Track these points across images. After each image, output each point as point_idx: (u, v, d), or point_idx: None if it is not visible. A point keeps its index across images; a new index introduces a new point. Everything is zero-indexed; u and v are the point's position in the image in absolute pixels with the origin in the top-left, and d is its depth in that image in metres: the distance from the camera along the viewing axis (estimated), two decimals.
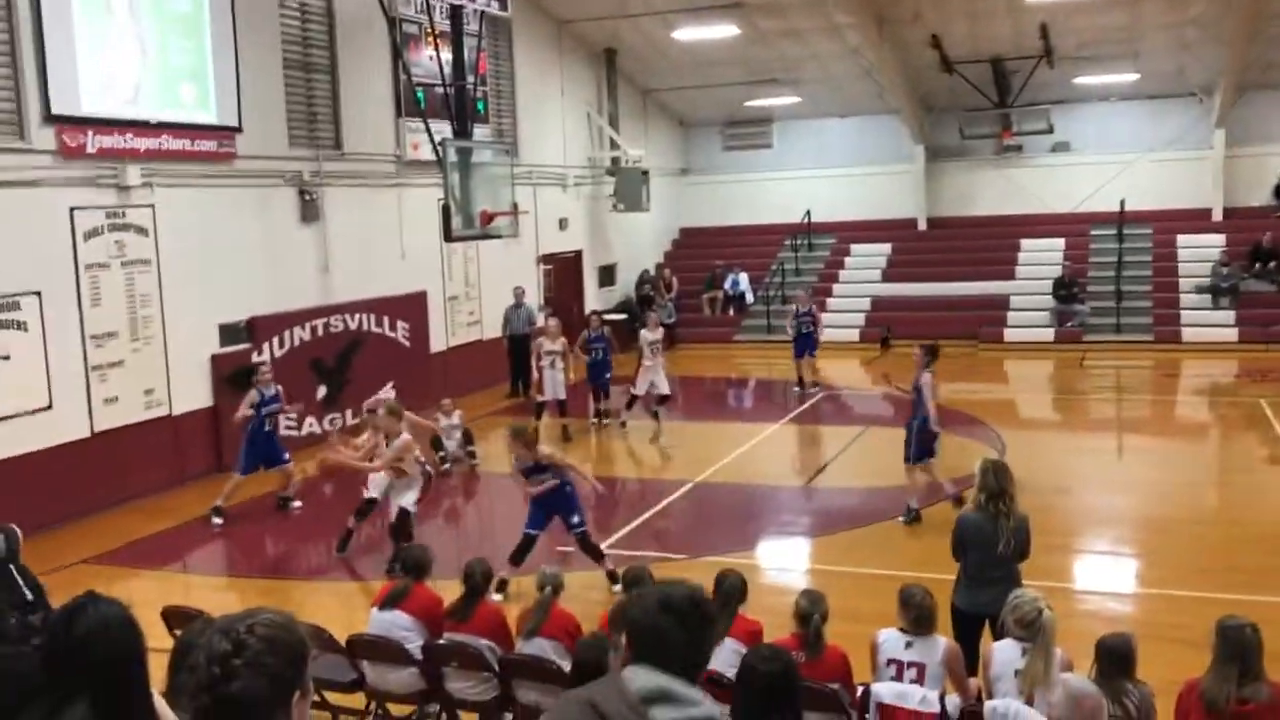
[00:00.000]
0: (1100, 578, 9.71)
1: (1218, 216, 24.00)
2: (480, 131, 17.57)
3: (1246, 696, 4.64)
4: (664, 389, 15.45)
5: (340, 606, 9.03)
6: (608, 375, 15.73)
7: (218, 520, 11.67)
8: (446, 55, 15.99)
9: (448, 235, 15.23)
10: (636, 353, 15.86)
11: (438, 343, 18.25)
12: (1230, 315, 21.63)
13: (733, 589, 5.96)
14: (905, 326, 22.98)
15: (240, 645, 2.07)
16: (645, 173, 23.49)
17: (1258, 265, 22.20)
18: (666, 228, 27.55)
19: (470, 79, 16.50)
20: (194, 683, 2.07)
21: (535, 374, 15.20)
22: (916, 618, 5.47)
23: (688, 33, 21.20)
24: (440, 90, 15.94)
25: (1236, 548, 10.01)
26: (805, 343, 18.29)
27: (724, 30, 20.87)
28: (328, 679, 6.50)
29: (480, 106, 18.27)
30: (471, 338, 19.19)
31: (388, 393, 11.52)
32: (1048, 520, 9.65)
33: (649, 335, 15.55)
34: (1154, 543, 10.41)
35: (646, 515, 11.73)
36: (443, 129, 15.55)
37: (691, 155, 28.40)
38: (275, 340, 14.83)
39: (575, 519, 9.09)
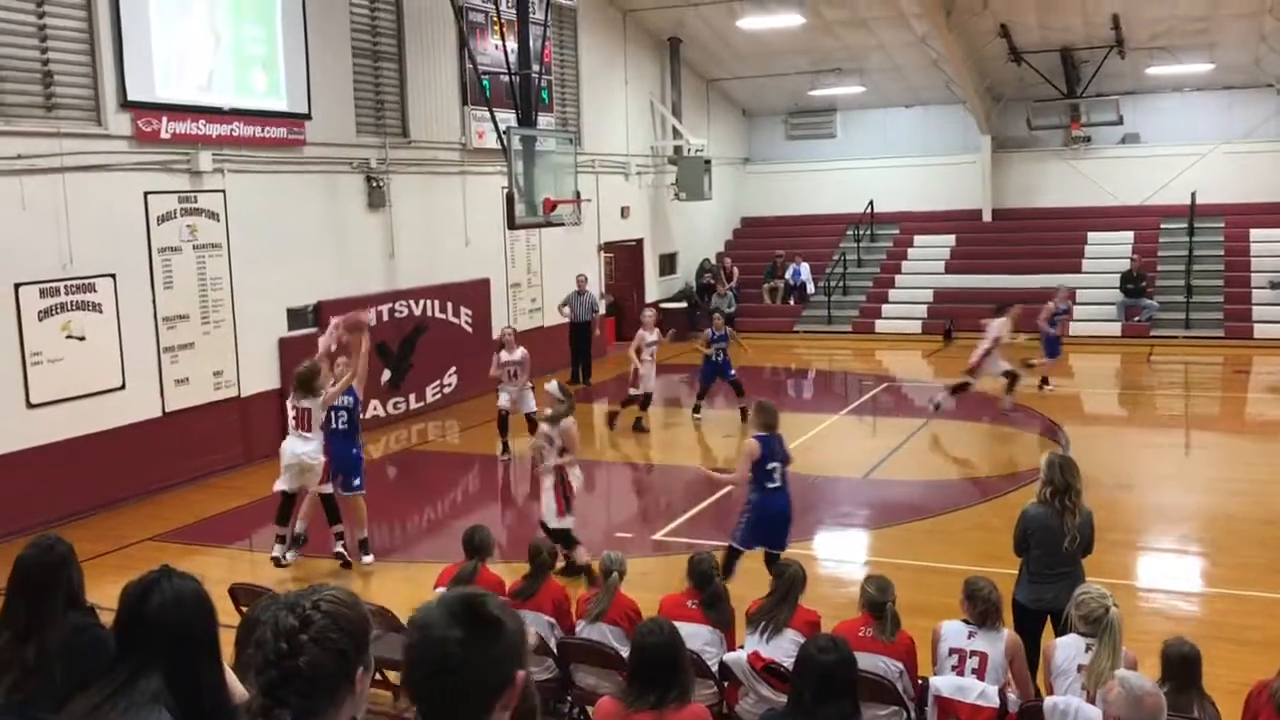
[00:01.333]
0: (1165, 576, 9.57)
1: None
2: (544, 120, 17.68)
3: None
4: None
5: (405, 586, 9.17)
6: (733, 372, 15.48)
7: (367, 559, 9.81)
8: (512, 44, 16.09)
9: (511, 223, 15.36)
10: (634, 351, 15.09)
11: (500, 329, 18.38)
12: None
13: (794, 579, 5.98)
14: (968, 319, 22.70)
15: (306, 621, 2.09)
16: (707, 162, 23.47)
17: None
18: (728, 217, 27.51)
19: (535, 68, 16.60)
20: (261, 657, 2.10)
21: (635, 365, 14.84)
22: (983, 610, 5.45)
23: (752, 21, 21.12)
24: (505, 79, 16.05)
25: None
26: (1056, 343, 17.38)
27: (789, 19, 20.76)
28: (390, 658, 6.59)
29: (545, 95, 18.38)
30: (533, 324, 19.32)
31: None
32: (1111, 516, 9.54)
33: (648, 336, 14.98)
34: (1222, 541, 10.24)
35: (707, 503, 11.75)
36: (508, 117, 15.67)
37: (754, 144, 28.31)
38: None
39: None
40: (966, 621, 5.49)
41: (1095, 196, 24.94)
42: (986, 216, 25.77)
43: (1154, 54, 22.13)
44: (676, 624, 4.84)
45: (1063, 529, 6.39)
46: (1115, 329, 21.95)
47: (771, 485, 8.39)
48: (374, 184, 15.63)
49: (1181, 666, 4.95)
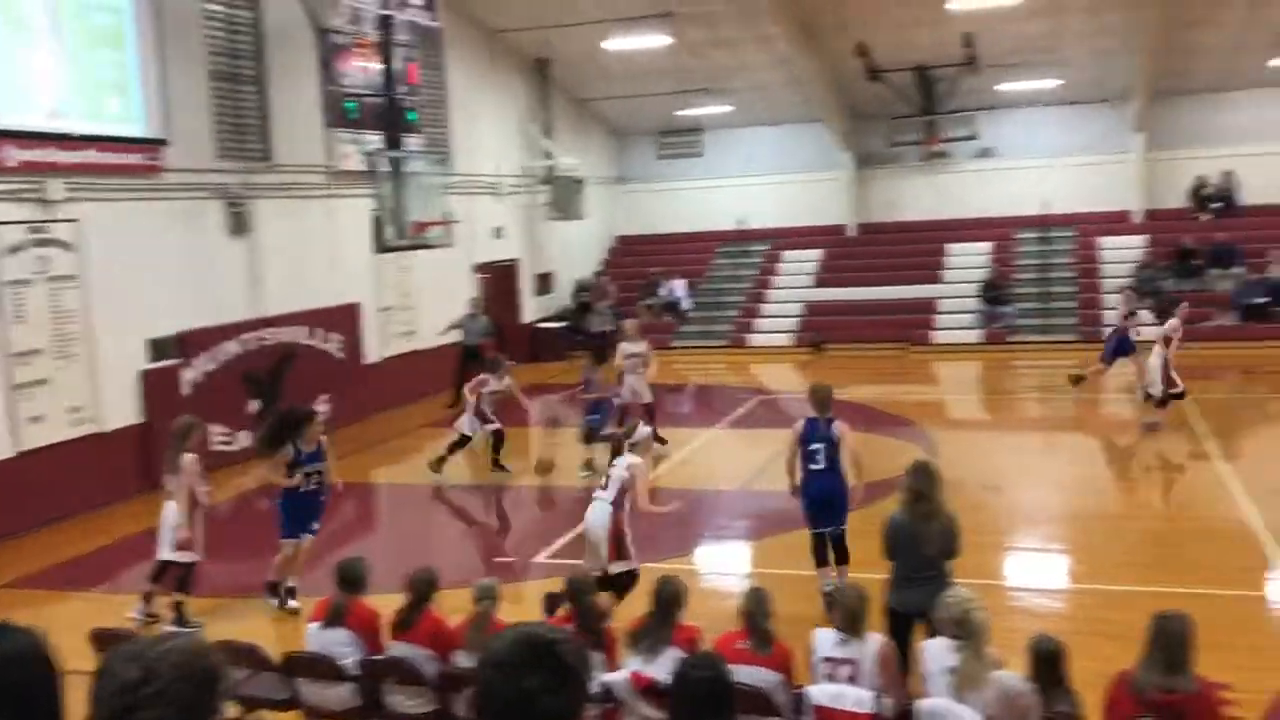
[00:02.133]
0: (1031, 574, 9.92)
1: (1138, 219, 24.64)
2: (412, 142, 17.49)
3: (1173, 687, 4.78)
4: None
5: (277, 623, 8.94)
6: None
7: (293, 603, 9.29)
8: (376, 66, 15.89)
9: (379, 246, 15.15)
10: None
11: (372, 354, 18.12)
12: (1152, 315, 22.15)
13: (672, 596, 6.02)
14: (837, 330, 23.32)
15: (150, 673, 1.94)
16: (580, 181, 23.55)
17: (1183, 265, 22.79)
18: (603, 235, 27.64)
19: (401, 89, 16.43)
20: (99, 714, 1.95)
21: (618, 377, 14.41)
22: (845, 615, 5.58)
23: (619, 43, 21.30)
24: (371, 101, 15.84)
25: (1162, 542, 10.30)
26: (1124, 345, 16.68)
27: (655, 40, 21.00)
28: (262, 697, 6.45)
29: (411, 117, 18.16)
30: (407, 348, 19.07)
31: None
32: (978, 518, 9.86)
33: (630, 347, 14.39)
34: (1082, 539, 10.67)
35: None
36: (374, 140, 15.46)
37: (626, 164, 28.52)
38: (205, 355, 14.64)
39: None
40: (838, 629, 5.61)
41: (954, 209, 25.82)
42: (852, 231, 26.45)
43: (1005, 71, 23.04)
44: None
45: (925, 534, 6.58)
46: (976, 336, 22.72)
47: (815, 467, 8.48)
48: (236, 209, 15.25)
49: (1047, 663, 5.13)
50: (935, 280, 24.44)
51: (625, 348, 14.38)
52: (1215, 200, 24.32)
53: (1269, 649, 7.66)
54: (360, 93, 16.26)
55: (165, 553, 8.92)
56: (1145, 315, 16.37)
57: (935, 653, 5.28)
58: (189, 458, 8.88)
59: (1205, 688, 4.83)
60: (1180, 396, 14.54)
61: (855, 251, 25.98)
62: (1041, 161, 25.13)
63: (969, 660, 5.03)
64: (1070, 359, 21.24)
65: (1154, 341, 14.95)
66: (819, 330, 23.37)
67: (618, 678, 5.81)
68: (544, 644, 2.01)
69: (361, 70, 16.18)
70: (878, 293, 24.20)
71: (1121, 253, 23.73)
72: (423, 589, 6.55)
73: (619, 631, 6.19)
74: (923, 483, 6.69)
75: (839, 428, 8.54)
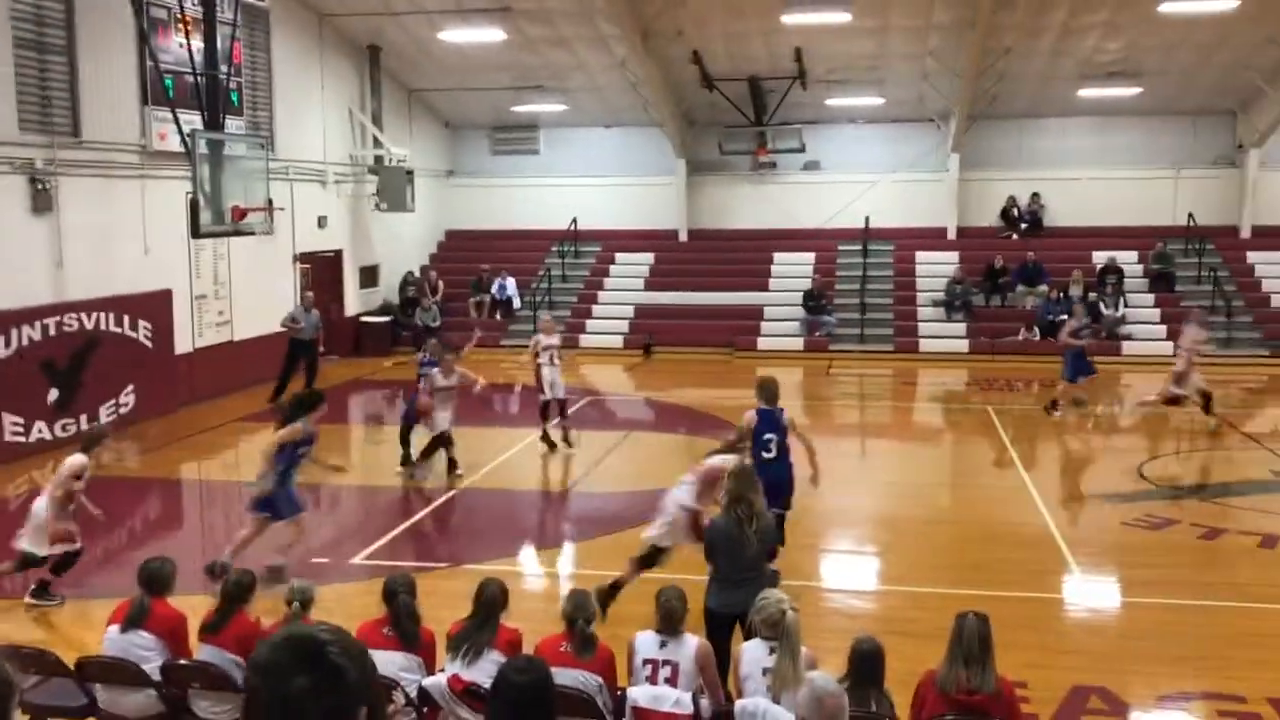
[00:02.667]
0: (846, 576, 10.20)
1: (952, 235, 25.75)
2: (233, 124, 16.84)
3: (976, 686, 4.97)
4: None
5: (74, 626, 8.42)
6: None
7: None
8: (198, 43, 15.20)
9: (195, 231, 14.50)
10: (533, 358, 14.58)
11: (183, 344, 17.31)
12: (962, 328, 23.24)
13: (493, 599, 5.92)
14: (666, 334, 23.58)
15: None
16: (410, 173, 23.10)
17: (993, 281, 23.94)
18: (432, 230, 27.17)
19: (223, 69, 15.77)
20: None
21: (534, 370, 14.31)
22: (664, 616, 5.61)
23: (454, 34, 20.99)
24: (190, 79, 15.14)
25: (968, 545, 10.74)
26: (1083, 364, 16.56)
27: (490, 34, 20.78)
28: (55, 705, 6.07)
29: (234, 98, 17.50)
30: (221, 339, 18.31)
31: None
32: (798, 521, 10.08)
33: (545, 340, 14.36)
34: (895, 541, 11.04)
35: (408, 523, 11.51)
36: (193, 119, 14.79)
37: (458, 157, 28.13)
38: (1, 340, 13.70)
39: None
40: (658, 631, 5.62)
41: (781, 219, 26.44)
42: (683, 236, 26.78)
43: (832, 86, 23.75)
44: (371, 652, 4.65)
45: (743, 537, 6.69)
46: (798, 344, 23.32)
47: (767, 455, 9.06)
48: (39, 186, 14.35)
49: (865, 662, 5.26)
50: (762, 288, 24.98)
51: (541, 340, 14.34)
52: (1023, 221, 25.66)
53: (1062, 648, 8.07)
54: (179, 70, 15.56)
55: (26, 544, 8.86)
56: (1086, 334, 17.08)
57: (752, 654, 5.35)
58: (77, 459, 9.04)
59: (1004, 686, 5.04)
60: (1178, 402, 15.65)
61: (686, 257, 26.31)
62: (865, 176, 25.99)
63: (784, 661, 5.11)
64: (887, 367, 22.10)
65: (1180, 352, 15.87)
66: (649, 333, 23.57)
67: (436, 681, 5.69)
68: (312, 646, 1.93)
69: (181, 47, 15.47)
70: (706, 298, 24.58)
71: (936, 267, 24.77)
72: (235, 591, 6.26)
73: (439, 635, 6.06)
74: (743, 486, 6.80)
75: (786, 416, 9.32)
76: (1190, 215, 24.66)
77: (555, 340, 14.45)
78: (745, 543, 6.66)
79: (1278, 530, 10.74)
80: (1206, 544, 10.44)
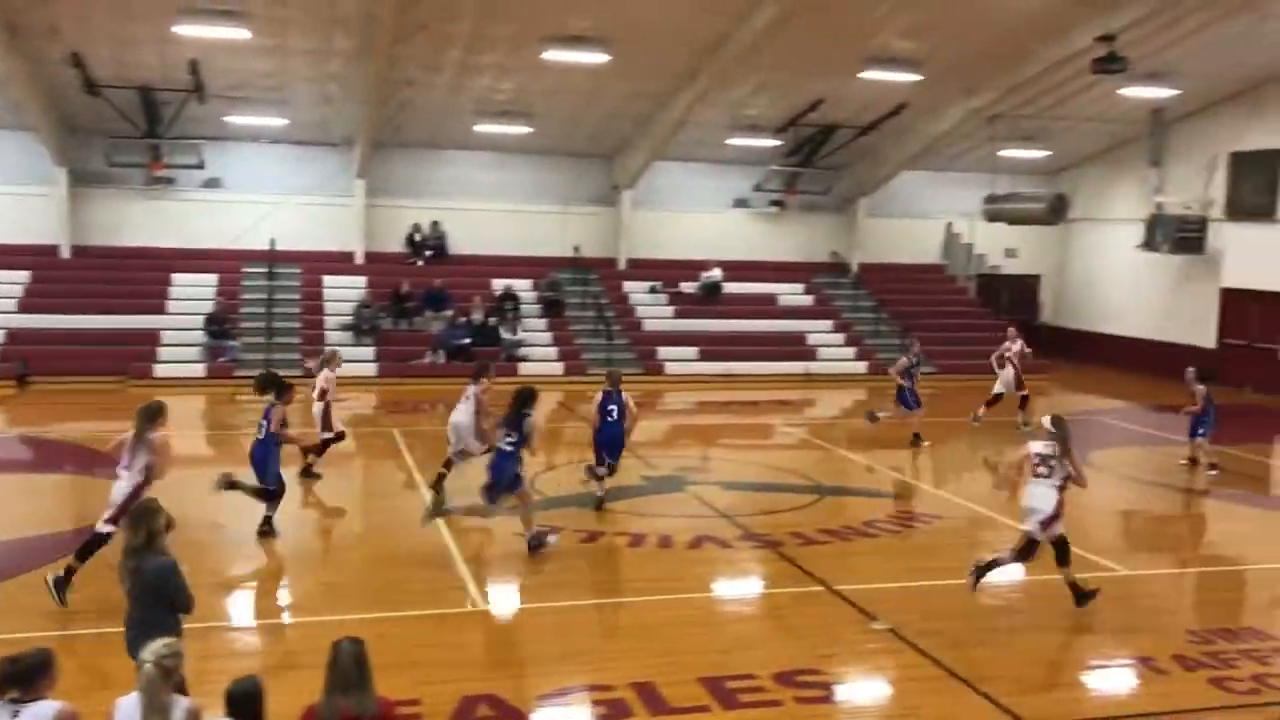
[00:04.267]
0: (250, 611, 9.87)
1: (360, 260, 26.03)
2: None
3: (358, 712, 5.02)
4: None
5: None
6: None
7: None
8: None
9: None
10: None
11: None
12: (371, 351, 23.53)
13: None
14: (46, 361, 21.36)
15: None
16: None
17: (399, 306, 24.48)
18: None
19: None
20: None
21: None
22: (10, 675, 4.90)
23: None
24: None
25: (375, 568, 10.86)
26: (908, 398, 17.78)
27: None
28: None
29: None
30: None
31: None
32: (203, 558, 9.66)
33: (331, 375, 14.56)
34: (302, 570, 10.88)
35: None
36: None
37: None
38: None
39: None
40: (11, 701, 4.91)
41: (181, 238, 25.07)
42: (65, 253, 24.38)
43: (233, 103, 22.93)
44: None
45: (131, 576, 6.33)
46: (200, 370, 22.21)
47: (610, 420, 12.88)
48: None
49: (242, 704, 5.07)
50: (159, 310, 23.48)
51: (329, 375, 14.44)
52: (428, 248, 26.59)
53: (456, 662, 8.43)
54: None
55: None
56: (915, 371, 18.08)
57: (126, 710, 4.94)
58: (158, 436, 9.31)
59: (384, 707, 5.14)
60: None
61: (69, 275, 23.99)
62: (270, 197, 25.43)
63: (148, 713, 4.81)
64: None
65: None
66: (23, 360, 21.13)
67: None
68: None
69: None
70: (94, 321, 22.63)
71: (345, 291, 24.86)
72: None
73: None
74: (137, 521, 6.40)
75: (626, 397, 12.90)
76: (576, 248, 27.12)
77: (329, 376, 14.12)
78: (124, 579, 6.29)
79: (644, 530, 12.13)
80: (586, 547, 11.51)
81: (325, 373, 14.48)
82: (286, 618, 9.71)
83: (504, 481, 10.82)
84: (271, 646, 8.92)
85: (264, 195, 25.45)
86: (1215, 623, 9.59)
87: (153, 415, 9.43)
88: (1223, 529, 13.99)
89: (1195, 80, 23.34)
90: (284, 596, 10.35)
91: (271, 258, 24.65)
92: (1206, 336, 25.53)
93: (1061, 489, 9.41)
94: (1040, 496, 9.44)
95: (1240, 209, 25.04)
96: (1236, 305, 25.20)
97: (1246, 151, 24.82)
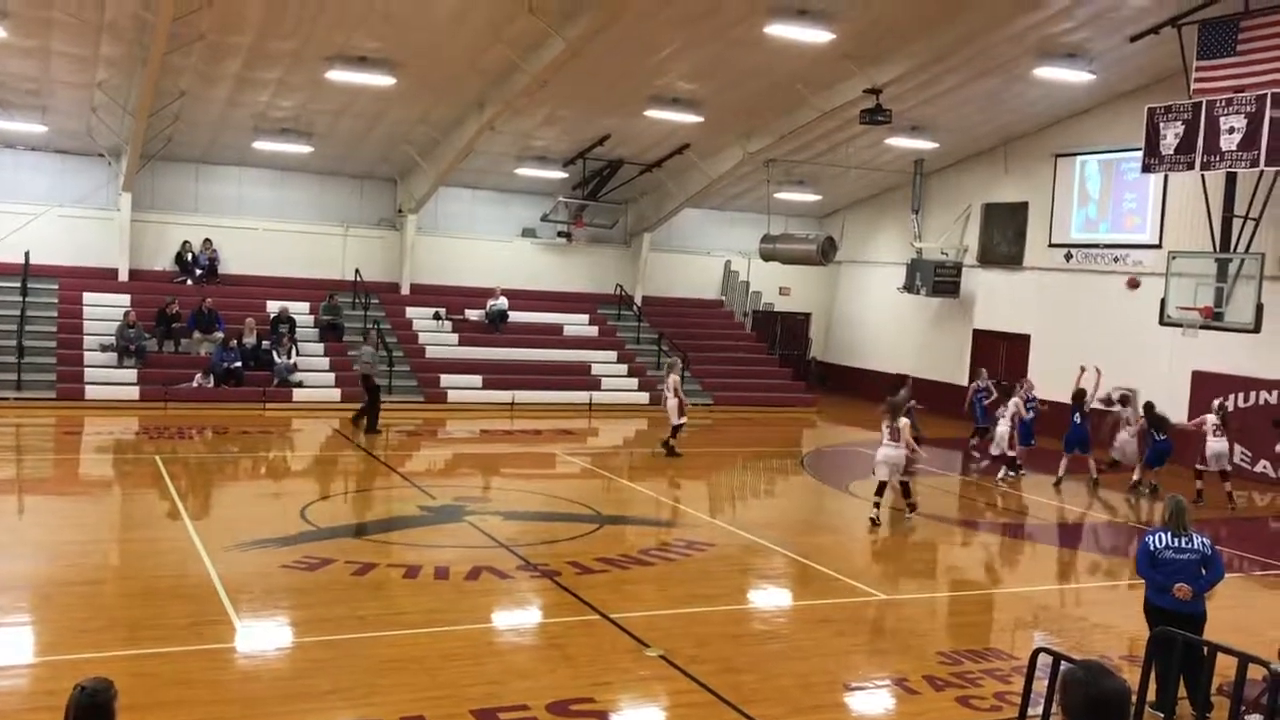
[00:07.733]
0: None
1: (124, 277, 24.72)
2: None
3: None
4: None
5: None
6: None
7: None
8: None
9: None
10: None
11: None
12: (134, 374, 22.34)
13: None
14: None
15: None
16: None
17: (166, 326, 23.34)
18: None
19: None
20: None
21: None
22: None
23: None
24: None
25: (130, 602, 10.28)
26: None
27: None
28: None
29: None
30: None
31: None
32: None
33: None
34: (47, 607, 10.19)
35: None
36: None
37: None
38: None
39: None
40: None
41: None
42: None
43: None
44: None
45: None
46: None
47: None
48: None
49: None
50: None
51: None
52: (198, 266, 25.49)
53: (218, 699, 8.08)
54: None
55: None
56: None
57: None
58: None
59: None
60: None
61: None
62: (25, 208, 23.88)
63: None
64: (48, 416, 20.40)
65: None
66: None
67: None
68: None
69: None
70: None
71: (107, 310, 23.54)
72: None
73: None
74: None
75: None
76: (357, 271, 26.57)
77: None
78: None
79: (420, 561, 11.96)
80: (358, 579, 11.24)
81: None
82: (32, 657, 9.07)
83: None
84: (13, 689, 8.30)
85: (19, 205, 23.84)
86: (963, 644, 10.24)
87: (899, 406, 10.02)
88: (971, 555, 14.95)
89: (952, 134, 25.07)
90: (27, 636, 9.66)
91: (26, 272, 23.10)
92: (960, 373, 27.31)
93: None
94: None
95: (991, 256, 26.97)
96: (987, 344, 27.04)
97: (997, 203, 26.80)
